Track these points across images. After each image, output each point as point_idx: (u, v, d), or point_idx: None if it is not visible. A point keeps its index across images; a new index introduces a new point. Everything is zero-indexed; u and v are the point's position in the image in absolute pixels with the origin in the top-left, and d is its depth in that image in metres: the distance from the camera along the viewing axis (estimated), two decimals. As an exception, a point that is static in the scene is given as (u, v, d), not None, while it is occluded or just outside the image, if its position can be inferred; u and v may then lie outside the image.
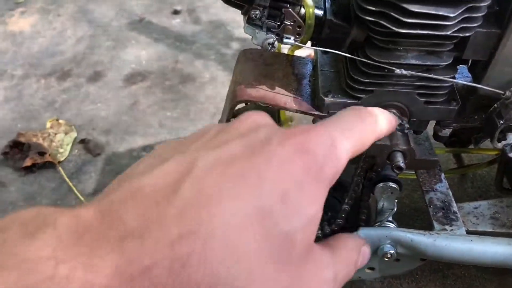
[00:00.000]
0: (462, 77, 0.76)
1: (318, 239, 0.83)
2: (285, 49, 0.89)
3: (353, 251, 0.38)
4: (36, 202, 1.30)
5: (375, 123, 0.38)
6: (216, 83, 1.65)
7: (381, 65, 0.64)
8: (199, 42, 1.86)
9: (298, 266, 0.30)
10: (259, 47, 0.67)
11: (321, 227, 0.82)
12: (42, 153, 1.40)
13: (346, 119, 0.35)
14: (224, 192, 0.27)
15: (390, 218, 0.80)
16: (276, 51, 0.89)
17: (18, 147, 1.45)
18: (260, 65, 0.79)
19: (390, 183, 0.73)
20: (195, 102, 1.59)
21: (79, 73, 1.78)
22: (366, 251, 0.39)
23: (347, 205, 0.78)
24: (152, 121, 1.53)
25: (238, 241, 0.27)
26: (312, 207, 0.30)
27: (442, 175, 0.86)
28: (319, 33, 0.66)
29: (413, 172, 1.01)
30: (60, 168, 1.38)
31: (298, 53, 0.85)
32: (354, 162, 0.76)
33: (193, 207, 0.27)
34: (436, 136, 0.76)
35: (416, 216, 1.14)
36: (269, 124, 0.33)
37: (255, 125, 0.33)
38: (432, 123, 0.78)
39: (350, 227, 0.83)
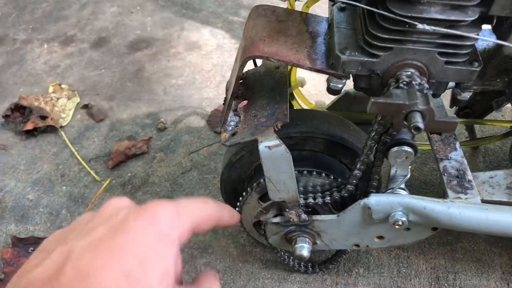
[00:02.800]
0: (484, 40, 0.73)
1: (326, 206, 0.81)
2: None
3: (215, 279, 0.48)
4: (37, 166, 1.28)
5: (217, 207, 0.49)
6: (222, 51, 1.62)
7: (403, 19, 0.60)
8: (206, 10, 1.82)
9: None
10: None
11: (330, 193, 0.79)
12: (43, 117, 1.38)
13: (192, 199, 0.47)
14: (97, 265, 0.37)
15: (402, 185, 0.78)
16: (289, 7, 0.85)
17: (19, 111, 1.42)
18: (273, 22, 0.75)
19: (405, 147, 0.71)
20: (200, 70, 1.55)
21: (83, 38, 1.74)
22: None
23: (359, 171, 0.75)
24: (156, 88, 1.50)
25: None
26: (164, 262, 0.40)
27: (457, 144, 0.83)
28: (338, -17, 0.62)
29: (426, 143, 0.98)
30: (62, 133, 1.35)
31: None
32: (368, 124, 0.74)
33: (76, 282, 0.36)
34: (454, 100, 0.73)
35: (425, 189, 1.11)
36: (127, 206, 0.43)
37: (115, 209, 0.42)
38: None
39: (360, 193, 0.81)
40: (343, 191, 0.78)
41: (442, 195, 0.77)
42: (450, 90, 0.79)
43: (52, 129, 1.37)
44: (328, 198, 0.79)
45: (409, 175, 0.76)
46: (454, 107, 1.03)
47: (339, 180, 0.80)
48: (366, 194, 0.76)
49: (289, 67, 0.90)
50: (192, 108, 1.41)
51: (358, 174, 0.75)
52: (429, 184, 1.12)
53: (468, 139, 1.13)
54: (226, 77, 1.50)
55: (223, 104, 0.81)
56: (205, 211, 0.48)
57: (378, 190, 0.80)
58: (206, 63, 1.58)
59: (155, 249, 0.40)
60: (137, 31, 1.75)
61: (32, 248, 1.06)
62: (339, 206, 0.82)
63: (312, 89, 1.39)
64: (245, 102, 0.83)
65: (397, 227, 0.74)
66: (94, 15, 1.85)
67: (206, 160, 1.24)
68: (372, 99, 0.62)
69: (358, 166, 0.75)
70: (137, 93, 1.48)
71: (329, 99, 1.13)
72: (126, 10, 1.85)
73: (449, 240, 1.01)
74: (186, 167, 1.23)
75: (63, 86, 1.51)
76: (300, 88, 0.97)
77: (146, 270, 0.38)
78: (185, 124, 1.36)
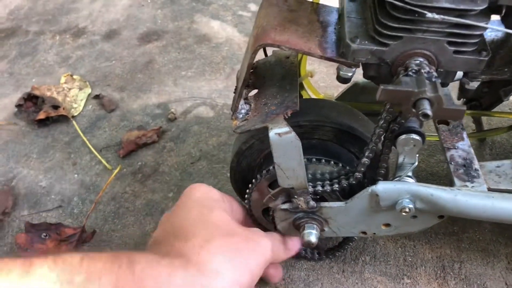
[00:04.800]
0: (492, 30, 0.74)
1: (334, 194, 0.82)
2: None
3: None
4: (49, 155, 1.30)
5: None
6: (232, 44, 1.63)
7: (412, 8, 0.61)
8: (216, 3, 1.84)
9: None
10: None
11: (339, 181, 0.81)
12: (56, 107, 1.40)
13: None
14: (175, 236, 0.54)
15: (410, 174, 0.79)
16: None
17: (32, 101, 1.44)
18: (284, 11, 0.77)
19: (413, 135, 0.72)
20: (210, 62, 1.57)
21: (94, 30, 1.76)
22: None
23: (367, 159, 0.76)
24: (167, 79, 1.51)
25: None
26: (216, 212, 0.58)
27: (464, 134, 0.84)
28: (349, -28, 0.63)
29: (433, 133, 0.99)
30: (74, 122, 1.38)
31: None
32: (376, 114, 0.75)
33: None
34: (462, 89, 0.74)
35: (432, 180, 1.12)
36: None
37: (164, 216, 0.59)
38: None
39: (368, 181, 0.82)
40: (351, 179, 0.79)
41: (449, 184, 0.78)
42: (458, 82, 0.80)
43: (64, 119, 1.39)
44: (336, 185, 0.80)
45: (416, 163, 0.77)
46: (462, 99, 1.04)
47: (347, 168, 0.82)
48: (373, 182, 0.78)
49: (299, 57, 0.92)
50: (201, 99, 1.43)
51: (367, 162, 0.77)
52: (436, 175, 1.13)
53: (475, 131, 1.14)
54: (236, 70, 1.52)
55: (234, 93, 0.83)
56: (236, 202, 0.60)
57: (385, 178, 0.81)
58: (215, 55, 1.59)
59: (207, 200, 0.53)
60: (147, 23, 1.76)
61: (44, 234, 1.08)
62: (347, 193, 0.83)
63: (321, 82, 1.41)
64: (255, 90, 0.84)
65: (404, 214, 0.76)
66: (105, 8, 1.87)
67: (215, 150, 1.26)
68: (382, 86, 0.63)
69: (366, 154, 0.76)
70: (148, 84, 1.50)
71: (337, 91, 1.15)
72: (136, 3, 1.87)
73: (455, 230, 1.02)
74: (196, 156, 1.25)
75: (75, 76, 1.53)
76: (309, 78, 0.98)
77: (210, 210, 0.51)
78: (195, 115, 1.38)
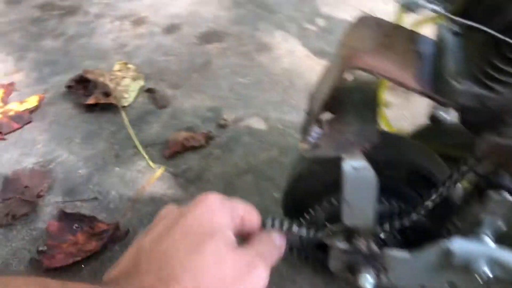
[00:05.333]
0: None
1: (398, 242, 0.73)
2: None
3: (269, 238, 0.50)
4: (92, 142, 1.26)
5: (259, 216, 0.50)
6: (293, 57, 1.57)
7: (538, 54, 0.54)
8: (282, 13, 1.78)
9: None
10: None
11: (390, 221, 0.72)
12: (106, 94, 1.36)
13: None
14: (166, 249, 0.42)
15: (488, 233, 0.71)
16: (396, 23, 0.80)
17: (83, 84, 1.41)
18: (379, 35, 0.70)
19: (506, 193, 0.64)
20: (269, 73, 1.51)
21: (155, 22, 1.73)
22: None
23: (431, 202, 0.68)
24: (222, 84, 1.46)
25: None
26: (220, 232, 0.44)
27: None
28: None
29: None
30: (123, 113, 1.33)
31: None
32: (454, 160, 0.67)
33: (152, 268, 0.41)
34: None
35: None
36: (178, 207, 0.47)
37: (168, 211, 0.47)
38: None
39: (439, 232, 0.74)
40: (404, 218, 0.71)
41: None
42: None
43: (112, 108, 1.35)
44: (397, 223, 0.72)
45: (501, 224, 0.69)
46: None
47: (403, 206, 0.74)
48: (445, 235, 0.70)
49: (380, 85, 0.85)
50: (255, 110, 1.37)
51: (429, 206, 0.68)
52: None
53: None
54: (295, 84, 1.45)
55: (306, 113, 0.76)
56: (251, 210, 0.50)
57: (461, 234, 0.73)
58: (275, 66, 1.53)
59: (210, 223, 0.44)
60: (210, 23, 1.72)
61: (76, 225, 1.03)
62: (409, 241, 0.75)
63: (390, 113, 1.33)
64: (329, 114, 0.77)
65: (477, 278, 0.68)
66: (169, 0, 1.83)
67: (264, 165, 1.20)
68: (488, 138, 0.56)
69: (432, 197, 0.68)
70: (202, 86, 1.45)
71: (406, 125, 1.07)
72: (202, 0, 1.83)
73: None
74: (243, 169, 1.19)
75: (129, 65, 1.49)
76: (385, 108, 0.91)
77: (206, 241, 0.42)
78: (246, 125, 1.32)
